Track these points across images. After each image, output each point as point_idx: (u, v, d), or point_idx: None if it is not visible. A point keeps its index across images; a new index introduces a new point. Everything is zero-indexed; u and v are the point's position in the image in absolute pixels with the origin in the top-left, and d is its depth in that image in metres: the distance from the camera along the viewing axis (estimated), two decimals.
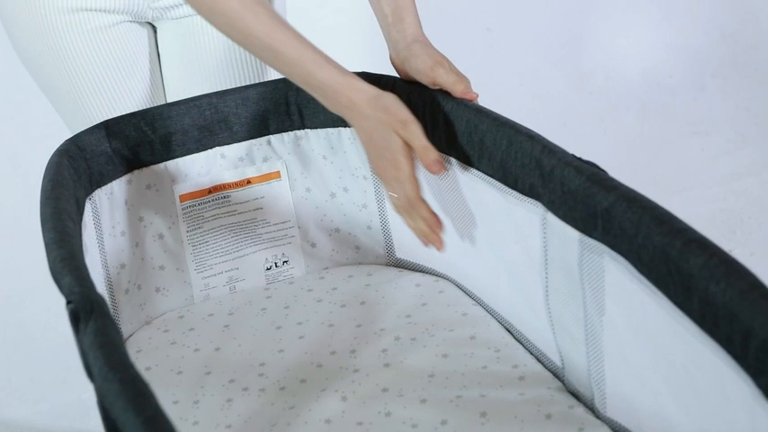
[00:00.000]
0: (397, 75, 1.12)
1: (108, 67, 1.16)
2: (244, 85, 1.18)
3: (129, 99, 1.19)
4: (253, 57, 1.23)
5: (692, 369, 0.73)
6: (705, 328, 0.70)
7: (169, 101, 1.24)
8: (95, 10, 1.13)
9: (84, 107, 1.18)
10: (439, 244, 1.04)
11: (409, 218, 1.04)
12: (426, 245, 1.05)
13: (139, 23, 1.19)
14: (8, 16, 1.16)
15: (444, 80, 1.04)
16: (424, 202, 1.03)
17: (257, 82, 1.20)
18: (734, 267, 0.68)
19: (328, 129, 1.17)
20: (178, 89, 1.23)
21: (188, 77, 1.23)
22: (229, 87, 1.23)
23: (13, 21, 1.15)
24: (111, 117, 1.14)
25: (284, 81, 1.16)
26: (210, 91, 1.22)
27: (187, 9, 1.19)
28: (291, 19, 1.31)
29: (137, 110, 1.16)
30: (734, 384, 0.68)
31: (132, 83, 1.19)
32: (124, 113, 1.13)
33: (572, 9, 2.54)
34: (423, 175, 1.06)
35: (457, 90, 1.04)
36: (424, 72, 1.06)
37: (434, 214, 1.03)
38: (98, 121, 1.13)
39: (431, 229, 1.03)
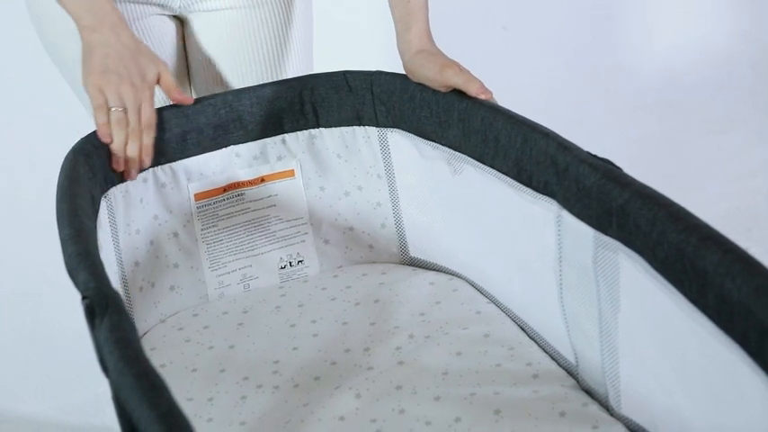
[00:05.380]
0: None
1: None
2: (262, 82, 1.19)
3: (156, 92, 1.19)
4: (275, 53, 1.23)
5: (708, 366, 0.73)
6: (721, 324, 0.70)
7: (194, 95, 1.25)
8: (125, 1, 1.14)
9: None
10: (136, 173, 1.07)
11: (125, 136, 1.05)
12: (125, 169, 1.07)
13: (168, 17, 1.19)
14: (37, 10, 1.16)
15: (456, 80, 1.04)
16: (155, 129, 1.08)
17: (274, 80, 1.21)
18: (750, 264, 0.68)
19: (342, 128, 1.18)
20: (203, 83, 1.23)
21: (213, 71, 1.23)
22: (250, 82, 1.23)
23: (43, 14, 1.16)
24: None
25: (299, 80, 1.16)
26: (233, 85, 1.23)
27: (215, 3, 1.19)
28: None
29: (163, 105, 1.16)
30: (749, 381, 0.67)
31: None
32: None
33: (588, 7, 2.53)
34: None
35: (472, 89, 1.03)
36: (434, 78, 1.06)
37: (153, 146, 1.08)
38: None
39: (138, 158, 1.06)
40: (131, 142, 1.05)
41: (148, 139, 1.06)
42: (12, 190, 2.03)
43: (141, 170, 1.08)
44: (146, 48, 1.07)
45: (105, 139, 1.04)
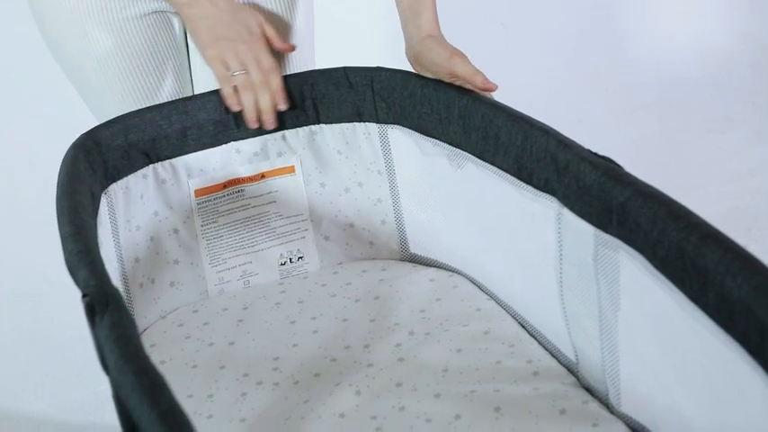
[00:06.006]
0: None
1: (138, 58, 1.16)
2: None
3: (159, 90, 1.19)
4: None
5: (708, 365, 0.73)
6: (721, 323, 0.70)
7: (196, 92, 1.25)
8: None
9: (114, 99, 1.18)
10: (274, 121, 1.12)
11: (253, 94, 1.10)
12: (260, 124, 1.12)
13: (171, 13, 1.19)
14: (40, 8, 1.16)
15: (463, 70, 1.04)
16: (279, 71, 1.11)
17: None
18: (750, 262, 0.68)
19: (343, 124, 1.18)
20: (204, 80, 1.23)
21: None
22: None
23: (45, 13, 1.16)
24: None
25: (299, 76, 1.17)
26: None
27: None
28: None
29: (164, 101, 1.16)
30: (750, 380, 0.67)
31: (163, 74, 1.19)
32: (149, 105, 1.13)
33: (588, 7, 2.53)
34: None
35: (477, 81, 1.03)
36: (441, 64, 1.06)
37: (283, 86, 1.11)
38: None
39: (273, 106, 1.11)
40: (261, 95, 1.10)
41: (276, 82, 1.10)
42: (12, 190, 2.03)
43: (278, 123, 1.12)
44: (240, 4, 1.11)
45: (234, 108, 1.11)
